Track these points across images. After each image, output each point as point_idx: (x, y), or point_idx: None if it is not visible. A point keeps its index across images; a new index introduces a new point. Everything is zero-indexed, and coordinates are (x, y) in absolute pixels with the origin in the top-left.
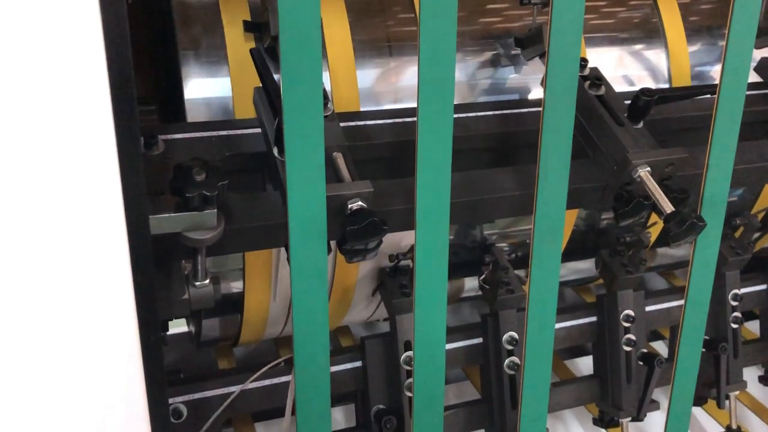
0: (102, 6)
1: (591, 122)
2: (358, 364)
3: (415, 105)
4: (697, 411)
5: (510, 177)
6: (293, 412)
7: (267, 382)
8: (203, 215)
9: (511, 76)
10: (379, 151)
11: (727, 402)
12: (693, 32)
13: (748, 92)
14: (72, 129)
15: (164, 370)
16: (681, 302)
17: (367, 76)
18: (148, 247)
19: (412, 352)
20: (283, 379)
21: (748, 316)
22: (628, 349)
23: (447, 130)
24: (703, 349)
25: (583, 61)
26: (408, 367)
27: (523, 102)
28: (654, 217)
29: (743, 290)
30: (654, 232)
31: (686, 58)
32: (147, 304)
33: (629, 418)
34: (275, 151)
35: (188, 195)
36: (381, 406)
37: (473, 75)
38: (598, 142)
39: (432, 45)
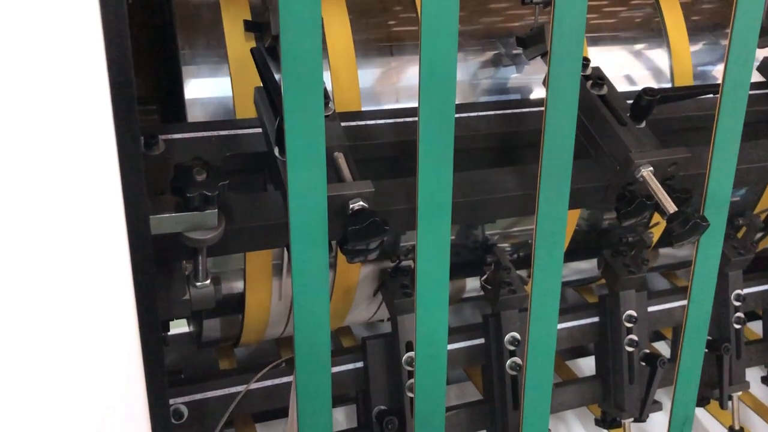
0: (102, 6)
1: (593, 122)
2: (360, 364)
3: (416, 105)
4: (700, 411)
5: (512, 177)
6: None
7: (268, 382)
8: (204, 215)
9: (512, 76)
10: (380, 151)
11: (729, 402)
12: (695, 32)
13: (750, 92)
14: (72, 129)
15: (165, 370)
16: (683, 302)
17: (368, 75)
18: (149, 247)
19: (413, 352)
20: (285, 379)
21: (750, 316)
22: (630, 349)
23: (448, 129)
24: (706, 350)
25: (585, 61)
26: (409, 368)
27: (525, 102)
28: (656, 217)
29: (746, 290)
30: (656, 233)
31: (688, 58)
32: (147, 304)
33: (631, 419)
34: (276, 151)
35: (189, 195)
36: (382, 407)
37: (475, 74)
38: (601, 142)
39: (433, 44)
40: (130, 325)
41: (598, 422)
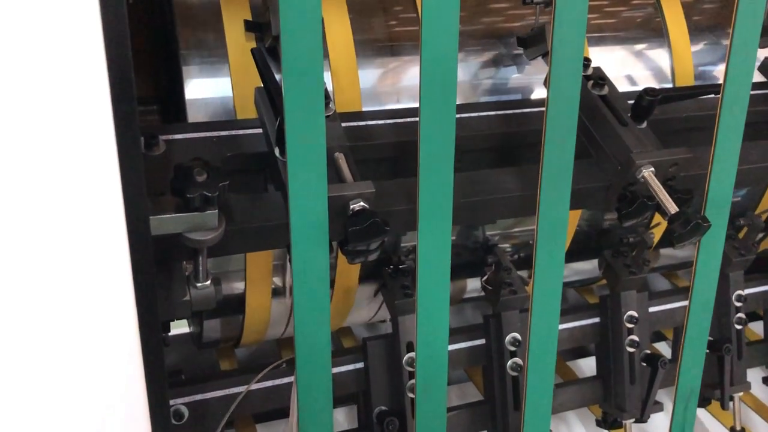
0: (102, 6)
1: (594, 122)
2: (360, 365)
3: (417, 105)
4: (701, 412)
5: (512, 177)
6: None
7: (269, 383)
8: (204, 216)
9: (513, 76)
10: (381, 152)
11: (730, 403)
12: (696, 31)
13: (752, 92)
14: (72, 129)
15: (165, 370)
16: (684, 303)
17: (368, 75)
18: (149, 247)
19: (414, 353)
20: (285, 380)
21: (751, 317)
22: (631, 350)
23: (449, 130)
24: (707, 350)
25: (586, 61)
26: (410, 369)
27: (526, 102)
28: (657, 218)
29: (747, 291)
30: (657, 233)
31: (689, 58)
32: (147, 305)
33: (632, 420)
34: (276, 151)
35: (189, 195)
36: (383, 408)
37: (475, 75)
38: (602, 142)
39: (434, 44)
40: (130, 325)
41: (599, 423)
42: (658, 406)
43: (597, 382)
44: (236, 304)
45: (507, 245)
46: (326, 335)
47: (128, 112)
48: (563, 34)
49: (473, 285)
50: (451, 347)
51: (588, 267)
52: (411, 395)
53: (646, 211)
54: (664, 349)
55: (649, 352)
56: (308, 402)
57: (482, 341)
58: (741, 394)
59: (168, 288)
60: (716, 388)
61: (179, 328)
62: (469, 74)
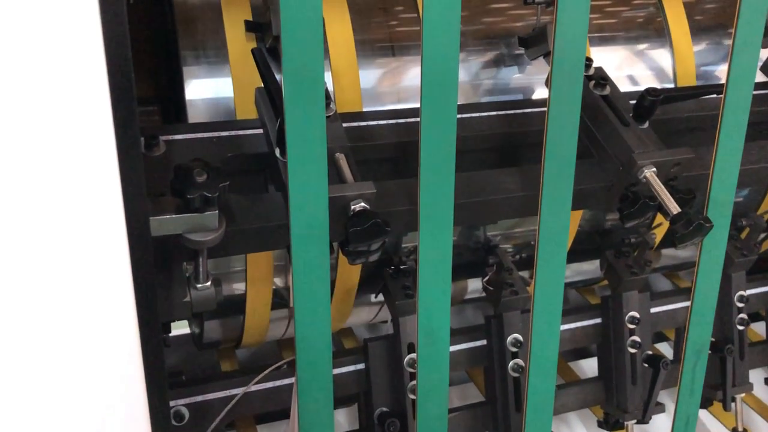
0: (102, 6)
1: (596, 122)
2: (361, 366)
3: (418, 105)
4: (703, 413)
5: (514, 178)
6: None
7: (269, 384)
8: (204, 217)
9: (514, 76)
10: (381, 152)
11: (733, 404)
12: (698, 31)
13: (754, 92)
14: (72, 130)
15: (165, 371)
16: (686, 303)
17: (369, 76)
18: (149, 248)
19: (415, 354)
20: (286, 381)
21: (754, 317)
22: (633, 351)
23: (450, 130)
24: (709, 351)
25: (588, 61)
26: (411, 370)
27: (527, 102)
28: (659, 218)
29: (749, 291)
30: (659, 233)
31: (691, 58)
32: (147, 306)
33: (634, 421)
34: (277, 151)
35: (189, 196)
36: (384, 409)
37: (477, 75)
38: (604, 143)
39: (435, 44)
40: (130, 326)
41: (601, 424)
42: (660, 407)
43: (598, 383)
44: (237, 305)
45: (508, 246)
46: (327, 336)
47: (128, 113)
48: (565, 34)
49: (474, 285)
50: (453, 348)
51: (590, 267)
52: (412, 396)
53: (648, 212)
54: (665, 349)
55: (650, 352)
56: (309, 403)
57: (483, 342)
58: (743, 395)
59: (168, 289)
60: (718, 389)
61: (180, 328)
62: (471, 74)
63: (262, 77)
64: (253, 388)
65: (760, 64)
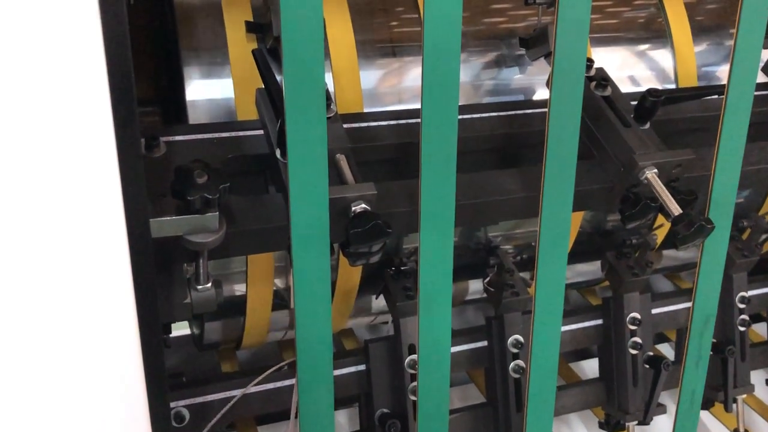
0: (102, 6)
1: (597, 123)
2: (362, 367)
3: (419, 106)
4: (705, 414)
5: (515, 179)
6: (296, 415)
7: (270, 385)
8: (205, 218)
9: (515, 77)
10: (382, 153)
11: (734, 405)
12: (699, 32)
13: (756, 93)
14: (71, 130)
15: (166, 373)
16: (688, 305)
17: (370, 77)
18: (149, 250)
19: (416, 355)
20: (287, 382)
21: (755, 318)
22: (634, 352)
23: (451, 131)
24: (711, 353)
25: (589, 62)
26: (412, 371)
27: (528, 103)
28: (660, 219)
29: (751, 293)
30: (660, 234)
31: (692, 58)
32: (148, 307)
33: (635, 422)
34: (278, 152)
35: (190, 198)
36: (385, 410)
37: (478, 76)
38: (605, 144)
39: (436, 45)
40: (130, 327)
41: (602, 425)
42: (661, 409)
43: (600, 384)
44: (237, 306)
45: (509, 247)
46: (328, 337)
47: (128, 114)
48: (566, 35)
49: (475, 287)
50: (453, 349)
51: (591, 268)
52: (413, 397)
53: (650, 213)
54: (667, 351)
55: (652, 354)
56: (309, 404)
57: (484, 343)
58: (744, 396)
59: (169, 290)
60: (720, 390)
61: (180, 329)
62: (472, 75)
63: (262, 78)
64: (254, 389)
65: (761, 64)
